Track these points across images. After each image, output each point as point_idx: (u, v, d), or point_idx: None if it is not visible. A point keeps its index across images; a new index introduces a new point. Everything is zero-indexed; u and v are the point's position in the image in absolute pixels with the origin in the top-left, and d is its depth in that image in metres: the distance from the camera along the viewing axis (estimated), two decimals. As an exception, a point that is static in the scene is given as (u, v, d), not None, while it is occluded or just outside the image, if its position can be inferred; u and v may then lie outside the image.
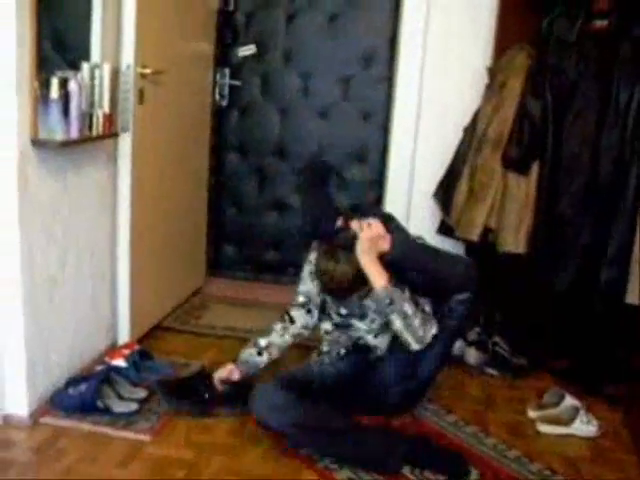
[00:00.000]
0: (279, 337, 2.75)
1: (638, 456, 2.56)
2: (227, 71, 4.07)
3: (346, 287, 2.51)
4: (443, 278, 2.56)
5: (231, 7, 3.99)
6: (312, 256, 2.69)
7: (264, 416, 2.42)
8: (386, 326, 2.59)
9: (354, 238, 2.43)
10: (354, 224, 2.48)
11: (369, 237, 2.42)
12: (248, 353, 2.73)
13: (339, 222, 2.57)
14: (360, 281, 2.47)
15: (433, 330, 2.49)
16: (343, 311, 2.67)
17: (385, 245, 2.44)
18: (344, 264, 2.44)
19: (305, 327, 2.78)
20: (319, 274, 2.53)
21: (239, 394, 2.65)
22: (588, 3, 3.01)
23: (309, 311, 2.77)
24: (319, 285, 2.64)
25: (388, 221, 2.55)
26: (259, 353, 2.71)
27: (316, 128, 4.10)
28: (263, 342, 2.73)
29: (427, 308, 2.53)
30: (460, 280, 2.55)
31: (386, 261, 2.44)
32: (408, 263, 2.50)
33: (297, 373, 2.71)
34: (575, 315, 3.10)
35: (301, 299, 2.78)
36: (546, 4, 3.12)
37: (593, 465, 2.51)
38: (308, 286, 2.76)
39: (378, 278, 2.42)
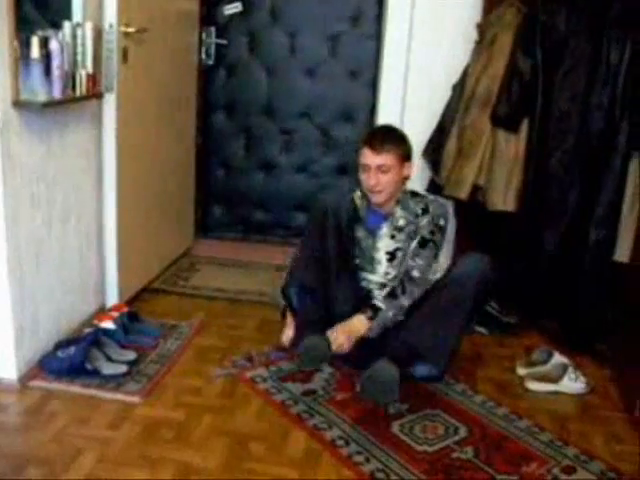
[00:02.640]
0: None
1: (625, 413, 2.58)
2: (213, 30, 4.00)
3: None
4: None
5: (216, -36, 3.92)
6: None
7: None
8: None
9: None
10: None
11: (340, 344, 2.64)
12: None
13: None
14: None
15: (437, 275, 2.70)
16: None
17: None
18: None
19: None
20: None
21: None
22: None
23: None
24: None
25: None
26: None
27: (304, 87, 4.06)
28: None
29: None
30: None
31: None
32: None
33: None
34: (564, 273, 3.09)
35: None
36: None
37: (581, 422, 2.53)
38: None
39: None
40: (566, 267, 3.07)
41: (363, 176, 2.70)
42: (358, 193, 2.81)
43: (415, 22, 3.53)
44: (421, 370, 2.64)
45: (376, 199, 2.72)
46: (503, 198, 3.08)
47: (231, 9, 4.00)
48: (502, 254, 3.28)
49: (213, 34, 4.02)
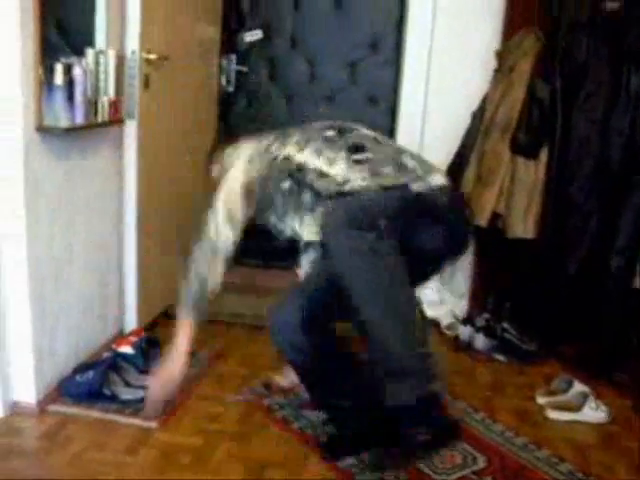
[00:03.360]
0: None
1: (647, 442, 2.55)
2: (234, 57, 4.04)
3: None
4: None
5: (237, -8, 3.97)
6: None
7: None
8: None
9: None
10: None
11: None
12: None
13: None
14: None
15: None
16: None
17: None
18: None
19: None
20: None
21: None
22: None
23: None
24: None
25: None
26: None
27: (323, 113, 4.06)
28: None
29: None
30: None
31: None
32: None
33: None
34: (585, 299, 3.07)
35: None
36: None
37: (602, 451, 2.50)
38: None
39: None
40: (587, 293, 3.05)
41: None
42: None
43: (434, 49, 3.55)
44: None
45: None
46: (523, 225, 3.07)
47: (251, 36, 4.03)
48: (522, 281, 3.28)
49: (234, 61, 4.06)
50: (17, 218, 2.35)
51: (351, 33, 3.95)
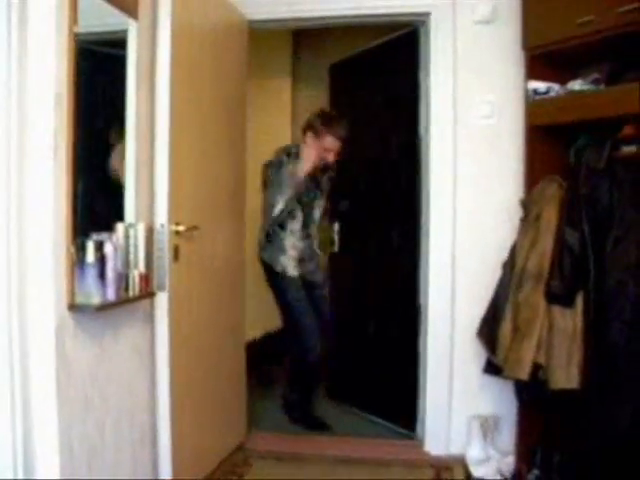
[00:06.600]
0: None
1: None
2: (336, 224, 4.48)
3: None
4: None
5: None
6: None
7: None
8: None
9: None
10: None
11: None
12: None
13: None
14: None
15: None
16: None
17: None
18: None
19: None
20: None
21: None
22: (614, 130, 3.02)
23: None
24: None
25: None
26: None
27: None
28: None
29: None
30: None
31: None
32: None
33: None
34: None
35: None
36: (571, 133, 3.14)
37: None
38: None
39: None
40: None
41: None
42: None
43: (459, 203, 3.60)
44: None
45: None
46: (566, 375, 2.96)
47: (343, 206, 4.53)
48: (571, 434, 3.13)
49: (336, 226, 4.47)
50: (48, 401, 2.29)
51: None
